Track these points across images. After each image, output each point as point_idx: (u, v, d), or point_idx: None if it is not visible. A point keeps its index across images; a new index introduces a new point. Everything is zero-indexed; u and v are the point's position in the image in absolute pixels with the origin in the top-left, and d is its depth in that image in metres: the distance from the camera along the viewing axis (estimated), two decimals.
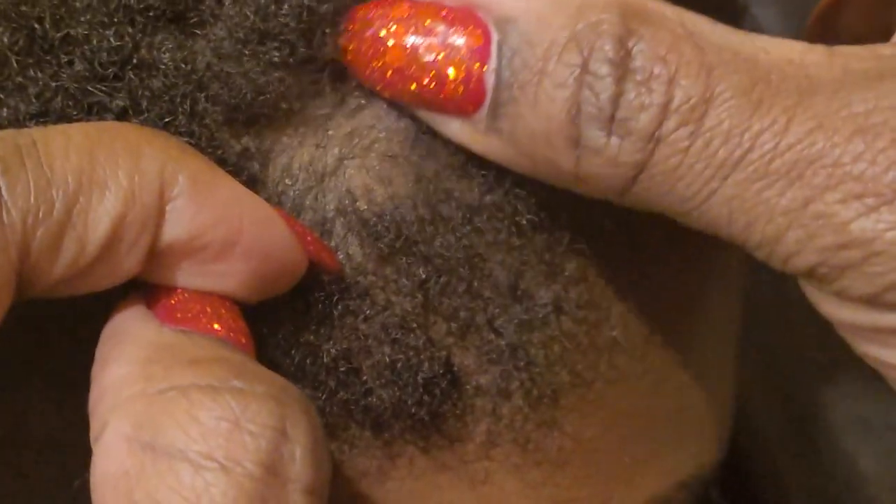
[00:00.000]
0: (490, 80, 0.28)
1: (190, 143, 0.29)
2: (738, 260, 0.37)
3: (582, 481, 0.33)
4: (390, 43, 0.29)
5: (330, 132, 0.30)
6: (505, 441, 0.32)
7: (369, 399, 0.30)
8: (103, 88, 0.29)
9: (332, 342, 0.30)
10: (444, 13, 0.29)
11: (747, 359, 0.40)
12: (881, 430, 0.48)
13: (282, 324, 0.30)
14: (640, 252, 0.32)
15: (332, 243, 0.30)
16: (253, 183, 0.29)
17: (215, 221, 0.27)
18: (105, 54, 0.29)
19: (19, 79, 0.28)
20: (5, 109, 0.28)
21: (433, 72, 0.29)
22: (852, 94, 0.27)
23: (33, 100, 0.28)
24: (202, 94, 0.29)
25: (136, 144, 0.27)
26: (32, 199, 0.26)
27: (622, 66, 0.27)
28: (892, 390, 0.29)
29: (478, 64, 0.28)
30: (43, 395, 0.30)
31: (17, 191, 0.26)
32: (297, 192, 0.30)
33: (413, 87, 0.29)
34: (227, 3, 0.29)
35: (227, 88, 0.29)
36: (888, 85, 0.27)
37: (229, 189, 0.28)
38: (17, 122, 0.28)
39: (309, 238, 0.29)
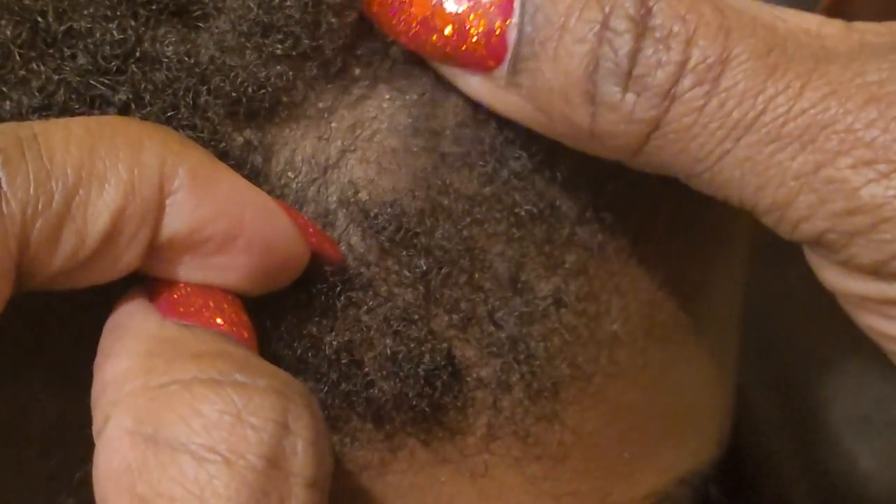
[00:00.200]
0: (512, 36, 0.28)
1: (193, 137, 0.29)
2: (739, 256, 0.37)
3: (582, 476, 0.33)
4: None
5: (333, 124, 0.30)
6: (505, 434, 0.32)
7: (371, 391, 0.30)
8: (106, 82, 0.29)
9: (334, 334, 0.30)
10: None
11: (747, 356, 0.40)
12: (881, 427, 0.47)
13: (284, 316, 0.30)
14: (642, 245, 0.32)
15: (335, 235, 0.30)
16: (256, 176, 0.29)
17: (216, 214, 0.27)
18: (108, 47, 0.29)
19: (22, 72, 0.28)
20: (8, 103, 0.28)
21: (456, 24, 0.29)
22: (867, 64, 0.27)
23: (36, 93, 0.28)
24: (205, 88, 0.29)
25: (136, 138, 0.27)
26: (32, 190, 0.26)
27: (642, 24, 0.28)
28: (892, 388, 0.29)
29: (500, 18, 0.28)
30: (44, 389, 0.30)
31: (17, 182, 0.26)
32: (299, 185, 0.30)
33: (434, 38, 0.29)
34: None
35: (230, 81, 0.29)
36: None
37: (230, 182, 0.28)
38: (19, 116, 0.28)
39: (311, 230, 0.29)
